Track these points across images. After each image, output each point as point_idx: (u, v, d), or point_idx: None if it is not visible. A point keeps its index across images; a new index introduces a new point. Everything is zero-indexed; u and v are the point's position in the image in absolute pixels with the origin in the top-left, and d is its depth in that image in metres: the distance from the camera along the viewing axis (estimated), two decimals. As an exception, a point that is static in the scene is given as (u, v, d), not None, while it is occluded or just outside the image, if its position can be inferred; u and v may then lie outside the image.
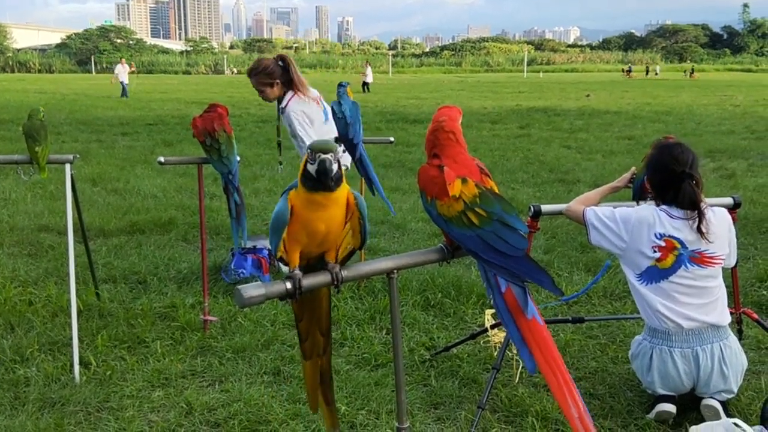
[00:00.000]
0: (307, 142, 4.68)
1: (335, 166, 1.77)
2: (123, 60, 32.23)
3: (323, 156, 1.76)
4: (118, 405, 3.30)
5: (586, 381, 3.53)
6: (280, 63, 4.82)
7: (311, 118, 4.82)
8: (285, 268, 1.86)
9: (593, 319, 4.17)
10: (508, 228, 1.94)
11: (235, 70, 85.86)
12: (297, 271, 1.82)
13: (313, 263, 1.92)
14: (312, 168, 1.78)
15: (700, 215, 3.02)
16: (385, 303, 4.50)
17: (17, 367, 3.65)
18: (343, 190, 1.85)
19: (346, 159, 5.08)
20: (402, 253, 2.04)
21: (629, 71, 62.90)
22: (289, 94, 4.85)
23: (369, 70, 36.65)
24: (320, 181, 1.78)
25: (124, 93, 29.17)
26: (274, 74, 4.80)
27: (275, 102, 4.94)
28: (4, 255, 5.66)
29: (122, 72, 30.25)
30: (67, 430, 3.08)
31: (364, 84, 35.02)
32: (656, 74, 60.85)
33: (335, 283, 1.86)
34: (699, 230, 3.01)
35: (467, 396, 3.40)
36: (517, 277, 1.95)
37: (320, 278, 1.86)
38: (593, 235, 3.16)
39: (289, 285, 1.79)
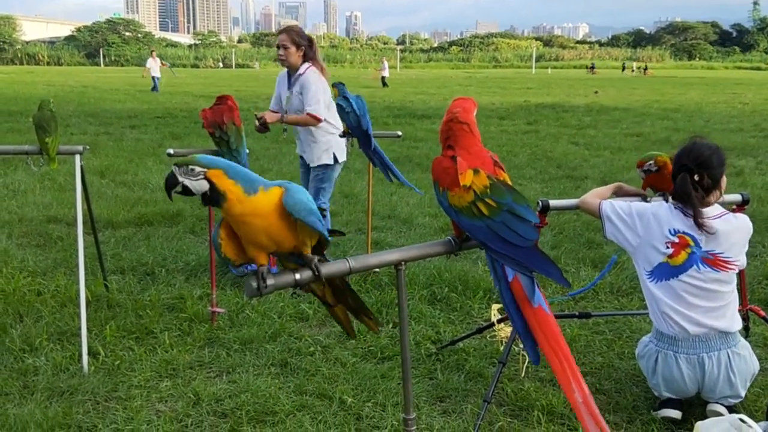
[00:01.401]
0: (321, 112, 4.80)
1: (191, 182, 1.73)
2: (154, 53, 30.57)
3: (173, 168, 1.75)
4: (126, 395, 3.32)
5: (592, 376, 3.53)
6: (308, 39, 4.96)
7: (327, 96, 4.88)
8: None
9: (600, 315, 4.16)
10: (518, 218, 1.95)
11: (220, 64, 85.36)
12: (311, 257, 1.84)
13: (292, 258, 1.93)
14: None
15: (694, 210, 3.01)
16: (391, 296, 4.51)
17: (26, 357, 3.67)
18: (261, 200, 1.78)
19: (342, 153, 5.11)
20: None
21: (593, 68, 66.27)
22: (307, 64, 4.92)
23: (386, 65, 36.66)
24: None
25: (154, 87, 28.23)
26: (303, 39, 4.91)
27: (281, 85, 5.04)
28: (14, 245, 5.70)
29: (154, 66, 29.01)
30: (76, 419, 3.10)
31: (383, 79, 34.98)
32: (633, 71, 62.99)
33: (316, 274, 1.84)
34: (697, 224, 2.99)
35: (473, 390, 3.41)
36: (525, 267, 1.95)
37: (289, 277, 1.86)
38: (608, 229, 3.15)
39: (298, 276, 1.81)
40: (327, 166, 5.04)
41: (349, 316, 2.19)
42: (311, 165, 5.07)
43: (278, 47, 4.94)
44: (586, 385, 1.97)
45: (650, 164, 3.31)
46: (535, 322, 1.97)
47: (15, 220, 6.52)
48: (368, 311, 2.19)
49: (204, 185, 1.74)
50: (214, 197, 1.75)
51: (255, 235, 1.80)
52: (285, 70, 5.08)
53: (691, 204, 3.01)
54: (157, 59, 29.71)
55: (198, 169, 1.73)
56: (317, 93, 4.81)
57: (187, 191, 1.75)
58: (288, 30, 4.94)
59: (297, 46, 4.87)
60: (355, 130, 4.51)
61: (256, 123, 4.78)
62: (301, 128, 4.99)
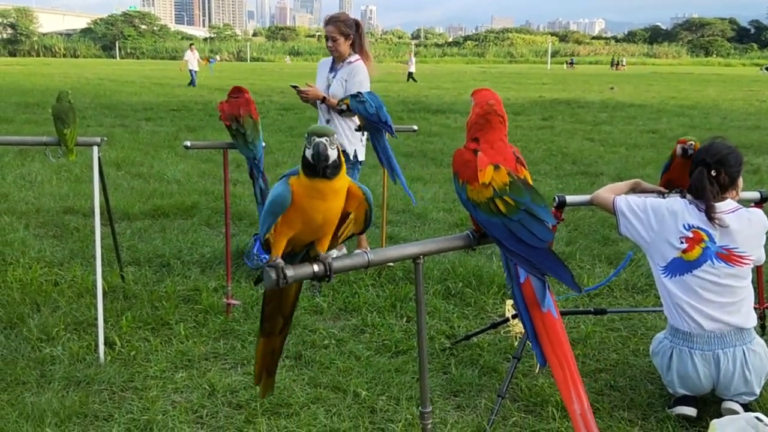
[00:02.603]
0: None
1: (331, 152, 1.73)
2: (193, 46, 29.74)
3: (317, 139, 1.72)
4: (142, 385, 3.34)
5: (607, 373, 3.53)
6: (355, 25, 4.95)
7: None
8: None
9: (615, 311, 4.15)
10: (534, 219, 1.94)
11: (217, 58, 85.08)
12: (326, 254, 1.84)
13: (299, 252, 1.93)
14: (308, 152, 1.74)
15: (707, 204, 3.01)
16: (405, 291, 4.52)
17: (43, 346, 3.70)
18: (343, 181, 1.81)
19: (361, 150, 5.09)
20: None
21: (572, 63, 70.12)
22: (356, 56, 4.93)
23: (413, 59, 36.45)
24: (315, 165, 1.73)
25: (192, 82, 27.36)
26: (350, 28, 4.90)
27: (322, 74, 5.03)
28: (31, 236, 5.74)
29: (192, 59, 28.16)
30: (92, 409, 3.13)
31: (410, 74, 34.72)
32: (623, 66, 65.43)
33: (327, 274, 1.84)
34: (708, 217, 2.99)
35: (487, 384, 3.41)
36: (537, 269, 1.95)
37: (308, 269, 1.84)
38: (622, 224, 3.15)
39: (317, 267, 1.81)
40: (356, 164, 5.04)
41: (266, 363, 2.20)
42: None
43: (327, 38, 4.95)
44: (586, 396, 1.97)
45: (692, 144, 3.31)
46: (542, 327, 1.98)
47: (32, 210, 6.57)
48: (275, 369, 2.22)
49: (335, 153, 1.75)
50: (338, 165, 1.75)
51: (316, 212, 1.78)
52: (327, 58, 5.12)
53: (704, 197, 3.01)
54: (196, 52, 28.73)
55: (335, 137, 1.75)
56: (362, 86, 4.80)
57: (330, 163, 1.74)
58: (334, 21, 4.92)
59: (345, 36, 4.89)
60: (374, 120, 4.50)
61: (300, 94, 4.85)
62: (340, 119, 4.94)
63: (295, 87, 4.89)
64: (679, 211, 3.06)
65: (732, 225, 3.00)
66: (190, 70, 27.90)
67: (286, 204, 1.77)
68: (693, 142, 3.31)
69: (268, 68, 56.94)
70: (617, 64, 64.06)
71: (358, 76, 4.83)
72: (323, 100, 4.87)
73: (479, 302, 4.46)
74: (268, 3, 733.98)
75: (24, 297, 4.34)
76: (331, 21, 4.94)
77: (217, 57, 30.91)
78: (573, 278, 1.96)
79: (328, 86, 4.95)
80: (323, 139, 1.72)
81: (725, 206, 3.04)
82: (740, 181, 3.14)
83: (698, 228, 3.02)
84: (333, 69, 5.01)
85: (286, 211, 1.78)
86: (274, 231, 1.82)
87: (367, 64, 4.95)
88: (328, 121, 5.00)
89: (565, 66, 70.09)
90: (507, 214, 1.95)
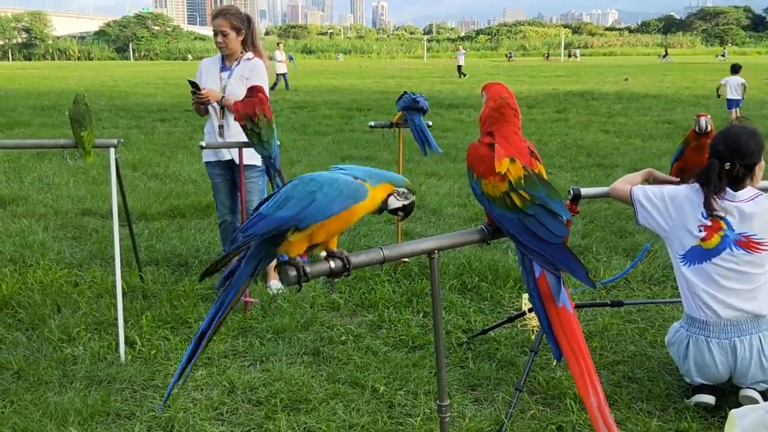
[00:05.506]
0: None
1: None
2: (280, 45, 27.55)
3: (414, 198, 1.91)
4: (162, 383, 3.38)
5: (625, 365, 3.52)
6: (247, 20, 4.61)
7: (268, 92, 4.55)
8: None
9: (632, 303, 4.14)
10: (549, 214, 1.95)
11: (290, 54, 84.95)
12: (341, 250, 1.86)
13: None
14: (397, 203, 1.90)
15: (706, 197, 3.02)
16: (421, 286, 4.53)
17: (65, 346, 3.75)
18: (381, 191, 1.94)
19: None
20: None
21: (510, 56, 72.61)
22: (250, 53, 4.60)
23: (462, 52, 35.80)
24: (399, 215, 1.94)
25: (285, 85, 25.06)
26: (243, 23, 4.56)
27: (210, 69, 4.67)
28: (50, 238, 5.80)
29: (280, 59, 25.44)
30: (114, 407, 3.17)
31: (459, 68, 34.31)
32: (576, 58, 67.82)
33: (347, 268, 1.88)
34: (707, 207, 3.00)
35: (505, 378, 3.42)
36: (551, 264, 1.96)
37: (324, 266, 1.88)
38: (641, 214, 3.15)
39: (333, 264, 1.83)
40: (262, 173, 4.64)
41: None
42: (249, 162, 4.52)
43: (216, 34, 4.54)
44: (602, 390, 1.98)
45: (709, 117, 3.32)
46: (558, 322, 1.98)
47: (50, 213, 6.64)
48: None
49: None
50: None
51: (356, 220, 1.90)
52: (212, 57, 4.79)
53: (707, 189, 3.01)
54: (283, 53, 26.30)
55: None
56: (266, 84, 4.52)
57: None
58: (224, 14, 4.53)
59: (237, 30, 4.52)
60: (411, 103, 4.76)
61: (195, 98, 4.43)
62: (235, 124, 4.42)
63: (194, 85, 4.41)
64: (696, 199, 3.05)
65: (750, 212, 2.99)
66: (280, 74, 24.94)
67: (365, 197, 1.85)
68: (710, 121, 3.33)
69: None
70: (547, 56, 66.63)
71: (262, 74, 4.52)
72: (220, 101, 4.47)
73: (495, 296, 4.47)
74: (279, 2, 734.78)
75: (44, 298, 4.39)
76: (220, 14, 4.52)
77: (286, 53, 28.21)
78: (587, 274, 1.96)
79: (224, 87, 4.55)
80: (415, 197, 1.92)
81: (744, 194, 3.03)
82: (761, 166, 3.13)
83: (716, 216, 3.01)
84: (226, 68, 4.62)
85: (330, 219, 1.82)
86: (297, 238, 1.83)
87: (264, 62, 4.63)
88: (221, 126, 4.63)
89: (506, 58, 73.43)
90: (522, 209, 1.95)
